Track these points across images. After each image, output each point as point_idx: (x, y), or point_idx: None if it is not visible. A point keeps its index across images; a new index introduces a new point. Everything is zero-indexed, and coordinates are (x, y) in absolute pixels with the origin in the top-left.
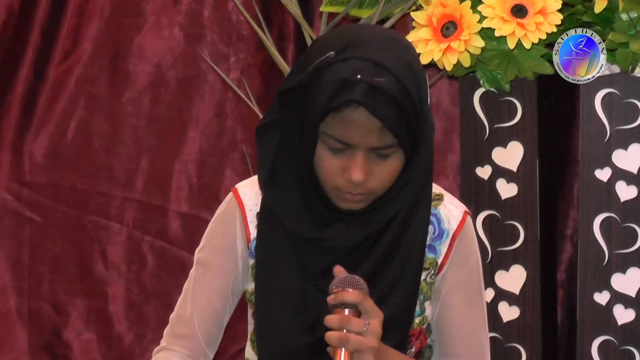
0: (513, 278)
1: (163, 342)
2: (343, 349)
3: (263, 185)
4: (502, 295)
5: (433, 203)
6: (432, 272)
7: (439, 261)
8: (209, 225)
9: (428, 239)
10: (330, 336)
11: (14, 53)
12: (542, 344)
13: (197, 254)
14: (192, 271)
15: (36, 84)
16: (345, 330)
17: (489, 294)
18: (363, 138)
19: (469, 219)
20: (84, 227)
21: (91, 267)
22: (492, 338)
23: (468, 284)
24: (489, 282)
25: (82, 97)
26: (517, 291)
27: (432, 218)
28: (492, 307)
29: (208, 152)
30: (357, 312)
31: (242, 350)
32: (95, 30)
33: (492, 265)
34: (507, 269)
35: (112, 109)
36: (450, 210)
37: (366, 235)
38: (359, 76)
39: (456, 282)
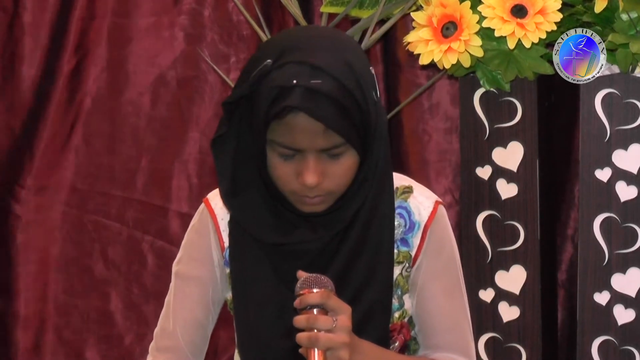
0: (513, 278)
1: (149, 357)
2: (315, 349)
3: (225, 198)
4: (502, 295)
5: (403, 196)
6: (407, 265)
7: (413, 254)
8: (185, 236)
9: (400, 232)
10: (300, 337)
11: (20, 53)
12: (542, 344)
13: (175, 266)
14: (172, 284)
15: (41, 84)
16: (315, 330)
17: (489, 294)
18: (309, 141)
19: (441, 208)
20: (85, 227)
21: (91, 267)
22: (492, 338)
23: (445, 274)
24: (489, 282)
25: (83, 97)
26: (517, 291)
27: (402, 211)
28: (492, 307)
29: (208, 152)
30: (325, 311)
31: None
32: (97, 30)
33: (492, 265)
34: (507, 269)
35: (112, 109)
36: (420, 202)
37: (332, 236)
38: (294, 81)
39: (432, 272)
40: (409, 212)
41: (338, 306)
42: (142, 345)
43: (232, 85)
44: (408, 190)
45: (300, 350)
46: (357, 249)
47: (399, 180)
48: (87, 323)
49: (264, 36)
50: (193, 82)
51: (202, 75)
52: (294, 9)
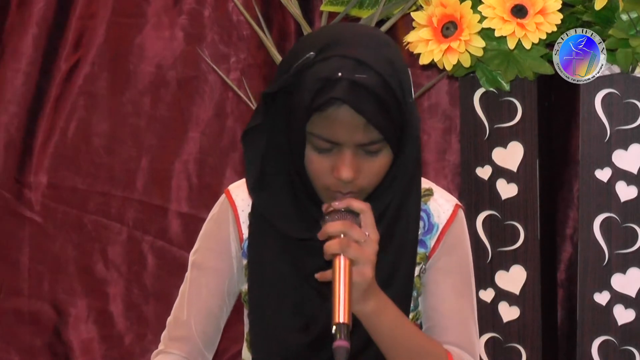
0: (513, 278)
1: (161, 346)
2: (342, 256)
3: (251, 190)
4: (502, 295)
5: (423, 198)
6: (423, 266)
7: (429, 254)
8: (203, 227)
9: (419, 234)
10: (330, 244)
11: (18, 53)
12: (542, 344)
13: (192, 256)
14: (188, 274)
15: (40, 83)
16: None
17: (489, 294)
18: (349, 135)
19: (460, 212)
20: (84, 227)
21: (91, 267)
22: (492, 338)
23: (456, 273)
24: (489, 282)
25: (83, 97)
26: (517, 291)
27: (422, 213)
28: (492, 307)
29: (208, 152)
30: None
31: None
32: (96, 30)
33: (492, 265)
34: (507, 269)
35: (112, 109)
36: (440, 204)
37: None
38: (339, 74)
39: (443, 269)
40: (428, 214)
41: (373, 225)
42: (142, 345)
43: (232, 85)
44: (429, 192)
45: (325, 256)
46: (382, 247)
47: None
48: (87, 323)
49: (264, 36)
50: (193, 82)
51: (202, 75)
52: (294, 8)
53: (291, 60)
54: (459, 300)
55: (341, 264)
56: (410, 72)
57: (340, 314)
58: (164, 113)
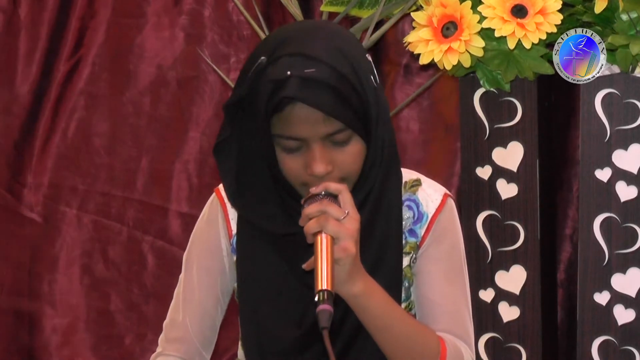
0: (513, 278)
1: (159, 349)
2: (323, 234)
3: (231, 199)
4: (502, 295)
5: (412, 189)
6: (414, 256)
7: (419, 243)
8: (195, 227)
9: (408, 223)
10: (309, 224)
11: (19, 53)
12: (542, 344)
13: (185, 257)
14: (182, 275)
15: (41, 83)
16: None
17: (489, 294)
18: (311, 130)
19: (449, 201)
20: (84, 227)
21: (91, 267)
22: (492, 338)
23: (447, 260)
24: (489, 282)
25: (83, 97)
26: (517, 291)
27: (411, 203)
28: (492, 307)
29: (208, 152)
30: (338, 204)
31: None
32: (97, 30)
33: (492, 265)
34: (507, 269)
35: (112, 109)
36: (429, 194)
37: None
38: (288, 72)
39: (434, 257)
40: (417, 204)
41: (352, 204)
42: (142, 345)
43: (232, 85)
44: (417, 183)
45: (307, 239)
46: (364, 239)
47: (408, 174)
48: (87, 323)
49: (264, 36)
50: (193, 82)
51: (202, 75)
52: (294, 9)
53: (247, 68)
54: (450, 287)
55: (322, 240)
56: (370, 58)
57: (323, 281)
58: (164, 113)
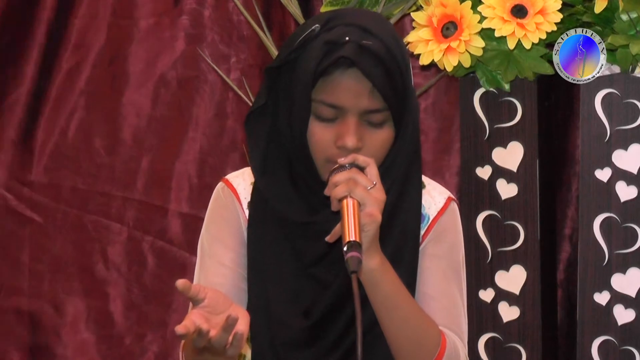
0: (513, 278)
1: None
2: (349, 198)
3: (256, 172)
4: (502, 295)
5: None
6: None
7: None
8: (207, 215)
9: None
10: (337, 190)
11: (18, 53)
12: (542, 344)
13: (202, 238)
14: (198, 260)
15: (40, 83)
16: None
17: (489, 294)
18: (354, 100)
19: (452, 204)
20: (85, 227)
21: (91, 267)
22: (492, 338)
23: (444, 259)
24: (489, 282)
25: (83, 97)
26: (517, 291)
27: None
28: (492, 307)
29: (208, 152)
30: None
31: None
32: (97, 30)
33: (492, 265)
34: (507, 269)
35: (112, 109)
36: (433, 196)
37: None
38: (347, 38)
39: (432, 255)
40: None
41: (378, 177)
42: (142, 345)
43: (233, 85)
44: (422, 186)
45: (332, 206)
46: (383, 232)
47: None
48: (87, 323)
49: (264, 36)
50: (193, 82)
51: (202, 75)
52: (294, 9)
53: (296, 35)
54: (448, 284)
55: (349, 203)
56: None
57: (351, 234)
58: (164, 113)
